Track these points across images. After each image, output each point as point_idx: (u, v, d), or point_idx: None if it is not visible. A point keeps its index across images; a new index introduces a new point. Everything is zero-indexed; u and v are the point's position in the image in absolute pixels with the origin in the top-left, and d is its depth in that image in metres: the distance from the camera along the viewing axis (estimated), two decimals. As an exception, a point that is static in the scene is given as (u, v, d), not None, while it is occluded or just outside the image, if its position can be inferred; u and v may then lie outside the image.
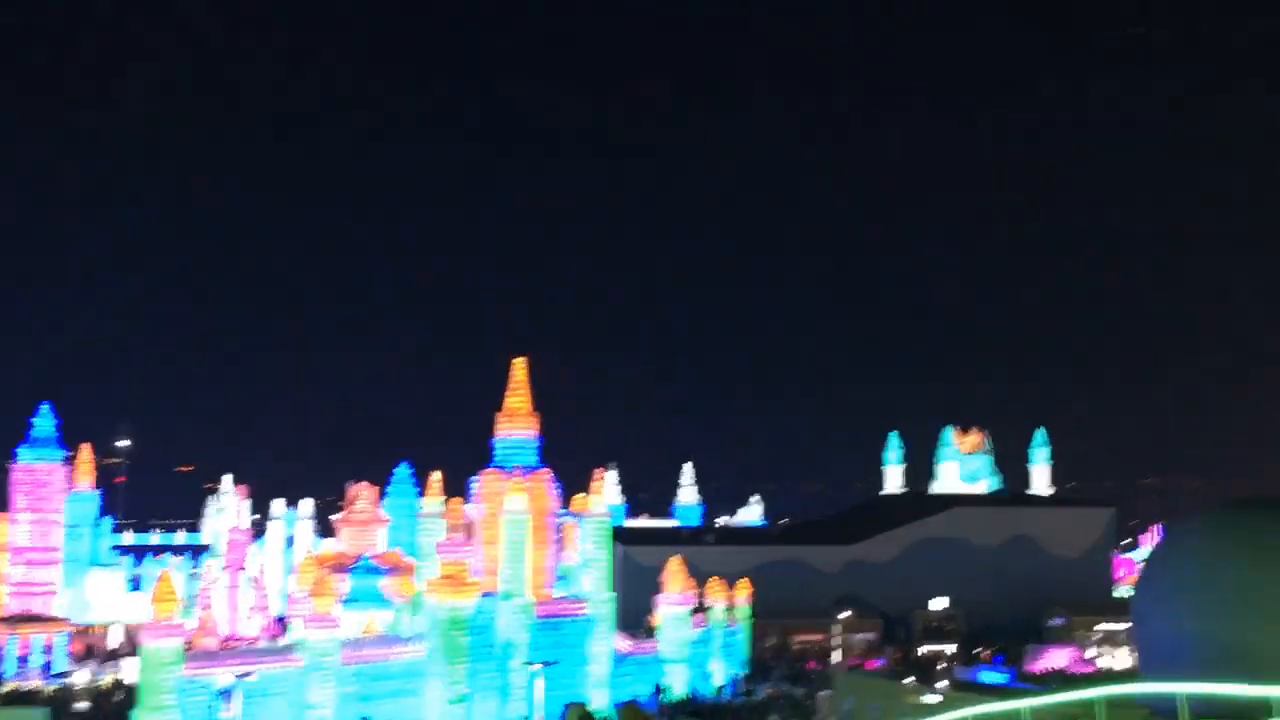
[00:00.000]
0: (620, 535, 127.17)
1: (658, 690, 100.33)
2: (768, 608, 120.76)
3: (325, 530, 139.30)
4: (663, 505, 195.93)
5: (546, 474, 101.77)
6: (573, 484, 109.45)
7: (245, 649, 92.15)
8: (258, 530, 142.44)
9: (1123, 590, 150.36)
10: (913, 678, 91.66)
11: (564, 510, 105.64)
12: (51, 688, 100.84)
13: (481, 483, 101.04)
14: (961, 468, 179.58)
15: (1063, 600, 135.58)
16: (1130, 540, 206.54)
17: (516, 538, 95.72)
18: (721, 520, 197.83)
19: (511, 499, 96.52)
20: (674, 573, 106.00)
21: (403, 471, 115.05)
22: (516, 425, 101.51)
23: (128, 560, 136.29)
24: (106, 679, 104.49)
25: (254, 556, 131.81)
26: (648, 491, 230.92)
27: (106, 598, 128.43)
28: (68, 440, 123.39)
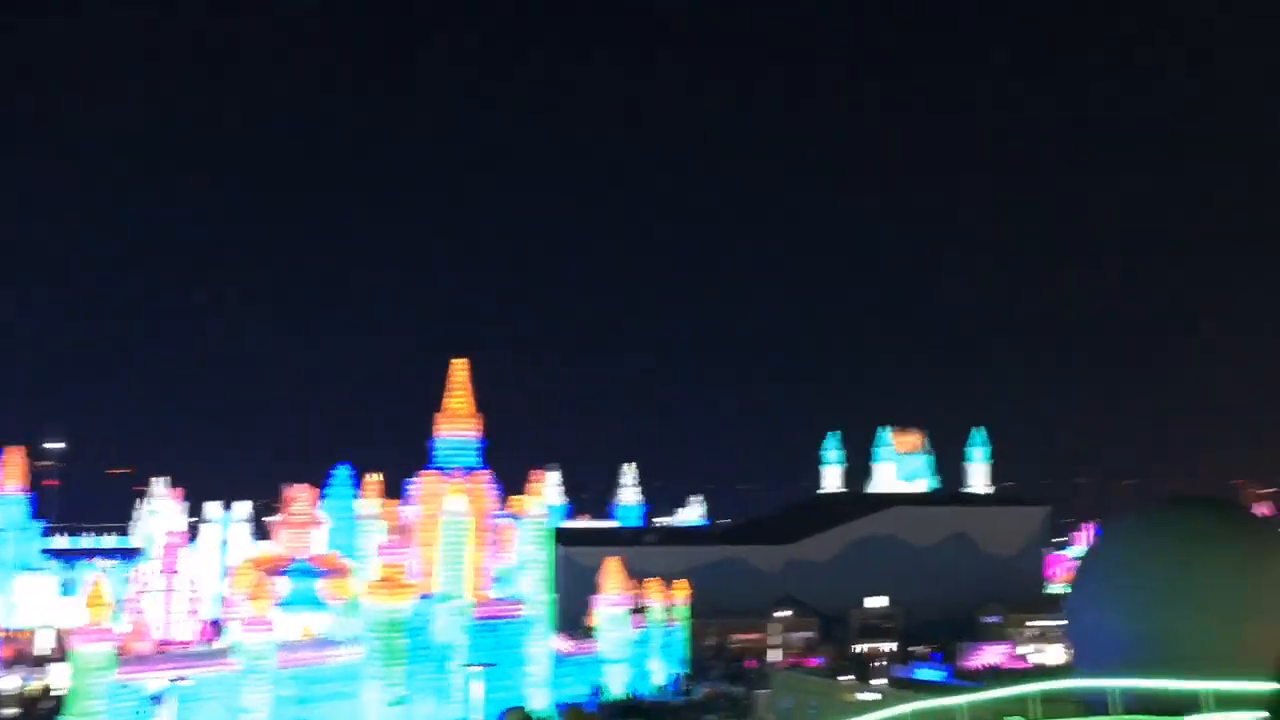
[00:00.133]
0: (560, 536, 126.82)
1: (596, 690, 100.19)
2: (707, 607, 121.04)
3: (261, 533, 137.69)
4: (603, 506, 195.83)
5: (486, 475, 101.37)
6: (512, 485, 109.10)
7: (179, 653, 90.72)
8: (192, 533, 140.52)
9: (1057, 587, 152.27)
10: (850, 676, 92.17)
11: (503, 511, 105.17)
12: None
13: (420, 484, 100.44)
14: (899, 467, 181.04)
15: (998, 598, 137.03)
16: (1064, 539, 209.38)
17: (455, 539, 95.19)
18: (662, 521, 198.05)
19: (450, 500, 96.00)
20: (613, 573, 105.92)
21: (341, 473, 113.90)
22: (456, 426, 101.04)
23: (59, 564, 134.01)
24: (35, 685, 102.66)
25: (188, 559, 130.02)
26: (589, 492, 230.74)
27: (36, 602, 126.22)
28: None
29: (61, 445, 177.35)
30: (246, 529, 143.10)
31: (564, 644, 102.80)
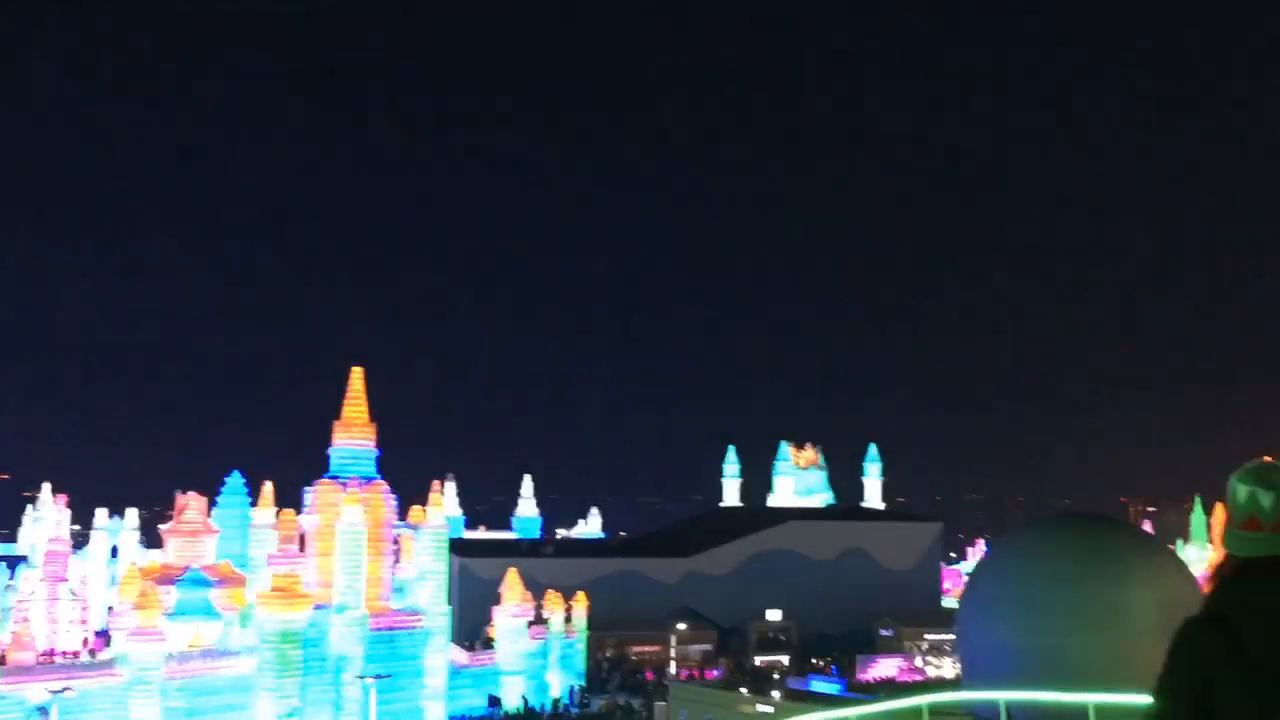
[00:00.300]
0: (457, 547, 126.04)
1: (492, 702, 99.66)
2: (605, 619, 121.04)
3: (152, 541, 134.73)
4: (501, 518, 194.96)
5: (383, 485, 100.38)
6: (410, 495, 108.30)
7: (64, 663, 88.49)
8: (79, 541, 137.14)
9: (950, 601, 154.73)
10: (745, 688, 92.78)
11: (401, 521, 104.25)
12: None
13: (316, 493, 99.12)
14: (797, 482, 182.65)
15: (893, 611, 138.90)
16: (957, 554, 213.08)
17: (352, 549, 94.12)
18: (560, 533, 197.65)
19: (347, 510, 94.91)
20: (511, 585, 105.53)
21: (234, 481, 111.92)
22: (353, 435, 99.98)
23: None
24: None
25: (76, 568, 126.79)
26: (486, 504, 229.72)
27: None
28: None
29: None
30: (135, 537, 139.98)
31: (461, 656, 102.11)
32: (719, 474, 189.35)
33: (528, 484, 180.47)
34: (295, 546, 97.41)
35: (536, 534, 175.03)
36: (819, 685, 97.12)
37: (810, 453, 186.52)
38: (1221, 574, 4.96)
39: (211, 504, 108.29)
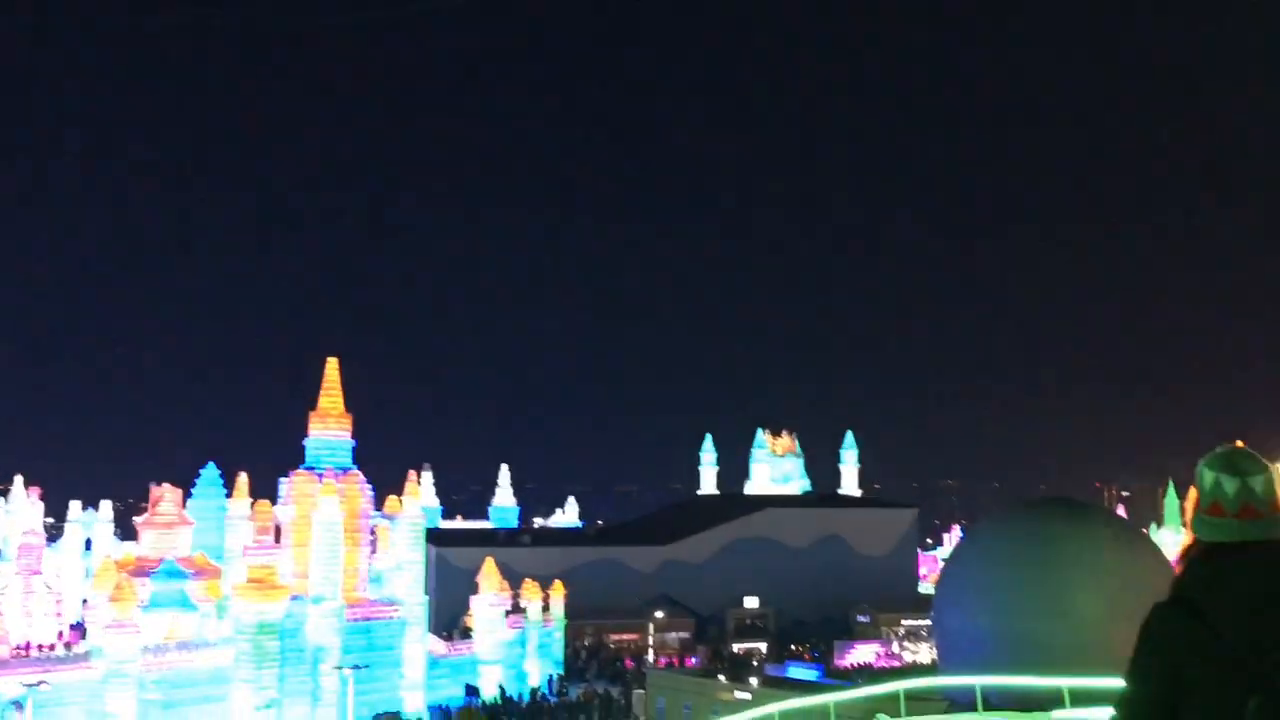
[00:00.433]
0: (434, 537, 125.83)
1: (469, 691, 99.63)
2: (583, 608, 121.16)
3: (126, 533, 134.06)
4: (478, 508, 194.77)
5: (359, 476, 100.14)
6: (386, 486, 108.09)
7: (39, 657, 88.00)
8: (52, 534, 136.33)
9: (927, 587, 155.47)
10: (723, 675, 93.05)
11: (377, 512, 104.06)
12: None
13: (292, 484, 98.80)
14: (773, 469, 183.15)
15: (870, 598, 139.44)
16: (933, 540, 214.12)
17: (328, 540, 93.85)
18: (538, 522, 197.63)
19: (323, 500, 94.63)
20: (489, 574, 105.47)
21: (209, 472, 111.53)
22: (329, 426, 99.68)
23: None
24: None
25: (49, 560, 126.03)
26: (463, 494, 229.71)
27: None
28: None
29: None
30: (109, 529, 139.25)
31: (439, 645, 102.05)
32: (696, 462, 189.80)
33: (504, 474, 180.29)
34: (271, 538, 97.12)
35: (514, 523, 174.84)
36: (797, 671, 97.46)
37: (787, 440, 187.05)
38: (1189, 558, 4.99)
39: (186, 496, 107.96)
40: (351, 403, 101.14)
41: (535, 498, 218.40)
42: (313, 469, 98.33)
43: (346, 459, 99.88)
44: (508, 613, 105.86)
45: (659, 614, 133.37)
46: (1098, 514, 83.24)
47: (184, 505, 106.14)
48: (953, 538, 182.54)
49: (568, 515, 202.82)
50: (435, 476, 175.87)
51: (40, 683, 73.26)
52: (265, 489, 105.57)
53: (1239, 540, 4.85)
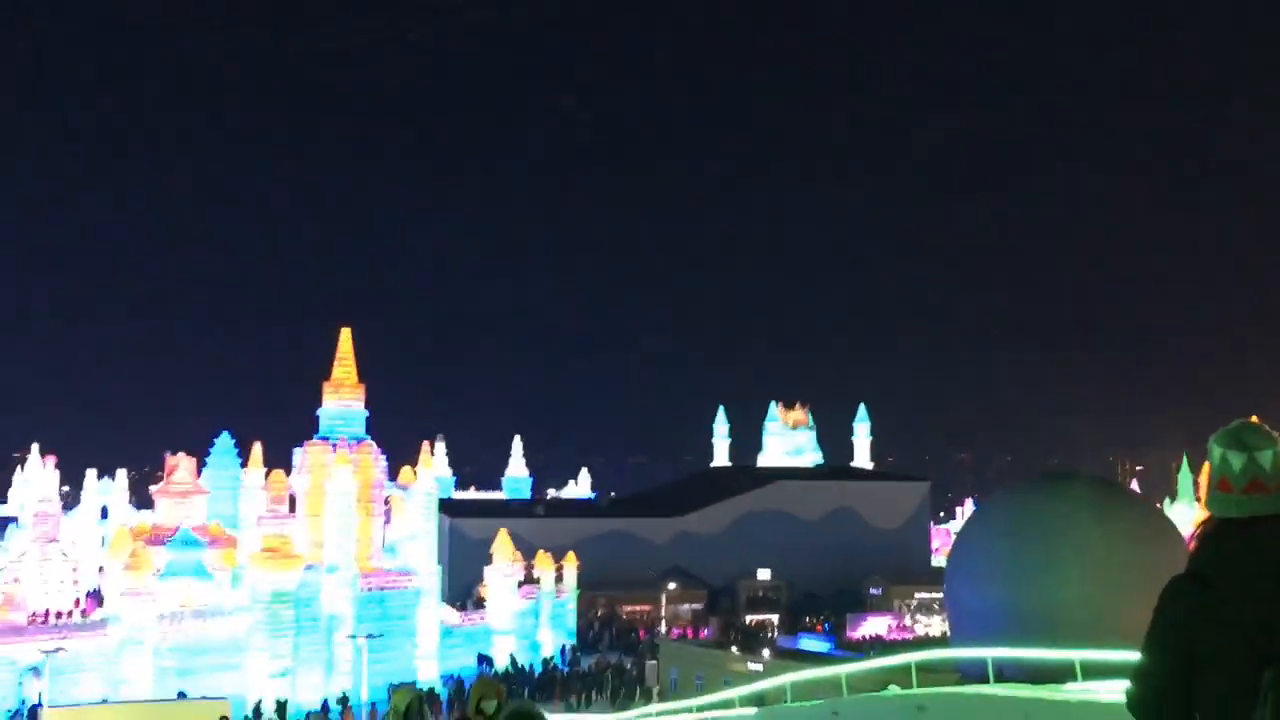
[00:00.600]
0: (447, 508, 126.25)
1: (482, 660, 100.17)
2: (596, 579, 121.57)
3: (142, 502, 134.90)
4: (491, 478, 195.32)
5: (372, 446, 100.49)
6: (400, 456, 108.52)
7: (56, 624, 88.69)
8: (68, 502, 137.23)
9: (939, 560, 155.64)
10: (735, 647, 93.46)
11: (391, 482, 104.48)
12: None
13: (306, 454, 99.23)
14: (786, 442, 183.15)
15: (882, 570, 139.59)
16: (945, 513, 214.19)
17: (342, 510, 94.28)
18: (550, 493, 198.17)
19: (337, 470, 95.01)
20: (502, 545, 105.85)
21: (224, 441, 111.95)
22: (342, 396, 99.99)
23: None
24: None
25: (65, 528, 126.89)
26: (475, 465, 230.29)
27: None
28: None
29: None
30: (125, 498, 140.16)
31: (452, 615, 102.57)
32: (709, 435, 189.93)
33: (517, 445, 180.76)
34: (285, 507, 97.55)
35: (527, 494, 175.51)
36: (809, 643, 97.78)
37: (799, 413, 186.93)
38: (1203, 532, 5.00)
39: (201, 465, 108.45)
40: (365, 372, 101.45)
41: (548, 469, 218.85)
42: (326, 439, 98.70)
43: (360, 429, 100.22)
44: (521, 583, 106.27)
45: (671, 585, 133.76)
46: (1111, 488, 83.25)
47: (199, 474, 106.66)
48: (965, 511, 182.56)
49: (580, 487, 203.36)
50: (448, 447, 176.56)
51: (58, 649, 73.88)
52: (279, 458, 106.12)
53: (1248, 515, 4.86)
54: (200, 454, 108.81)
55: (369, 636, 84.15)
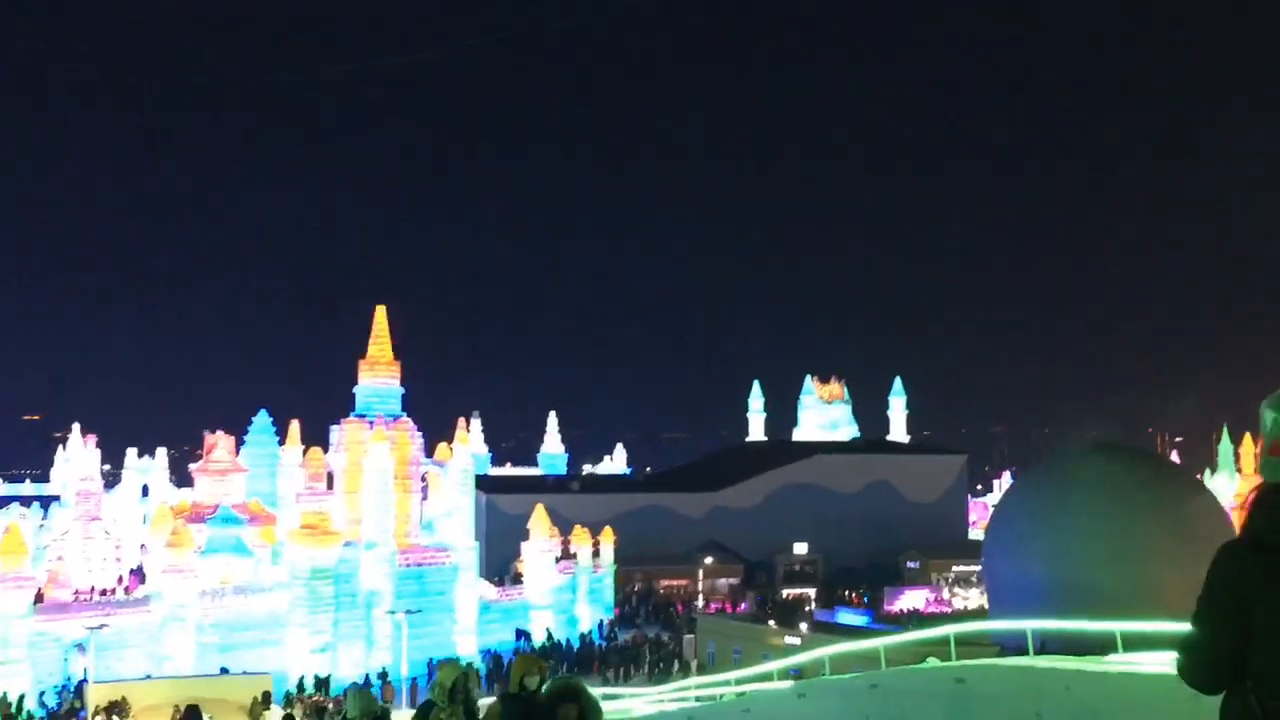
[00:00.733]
0: (483, 484, 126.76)
1: (519, 635, 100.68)
2: (633, 554, 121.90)
3: (182, 480, 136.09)
4: (527, 454, 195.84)
5: (409, 423, 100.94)
6: (436, 432, 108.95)
7: (99, 601, 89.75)
8: (109, 480, 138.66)
9: (976, 533, 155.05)
10: (772, 621, 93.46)
11: (427, 459, 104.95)
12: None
13: (343, 431, 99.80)
14: (821, 416, 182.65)
15: (919, 544, 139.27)
16: (983, 486, 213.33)
17: (380, 487, 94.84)
18: (586, 469, 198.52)
19: (374, 447, 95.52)
20: (539, 520, 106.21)
21: (261, 419, 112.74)
22: (378, 373, 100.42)
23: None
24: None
25: (107, 506, 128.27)
26: (511, 440, 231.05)
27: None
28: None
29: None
30: (166, 476, 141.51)
31: (490, 591, 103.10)
32: (744, 409, 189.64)
33: (553, 420, 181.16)
34: (323, 484, 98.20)
35: (562, 470, 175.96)
36: (846, 617, 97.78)
37: (835, 386, 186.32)
38: (1257, 498, 4.89)
39: (239, 443, 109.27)
40: (400, 349, 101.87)
41: (584, 445, 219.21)
42: (363, 416, 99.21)
43: (396, 406, 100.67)
44: (558, 559, 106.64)
45: (708, 560, 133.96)
46: (1150, 459, 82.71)
47: (237, 452, 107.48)
48: (1002, 484, 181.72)
49: (616, 462, 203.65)
50: (484, 423, 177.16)
51: (102, 626, 74.81)
52: (317, 436, 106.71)
53: None
54: (239, 432, 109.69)
55: (408, 612, 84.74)
